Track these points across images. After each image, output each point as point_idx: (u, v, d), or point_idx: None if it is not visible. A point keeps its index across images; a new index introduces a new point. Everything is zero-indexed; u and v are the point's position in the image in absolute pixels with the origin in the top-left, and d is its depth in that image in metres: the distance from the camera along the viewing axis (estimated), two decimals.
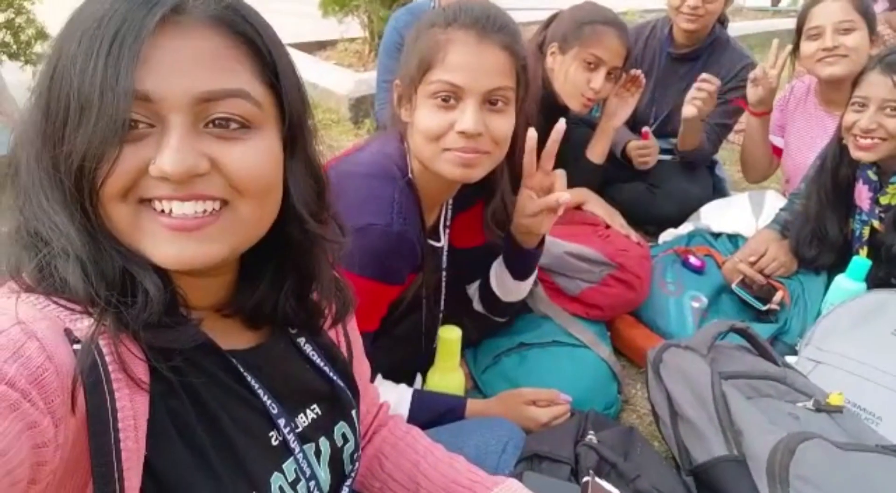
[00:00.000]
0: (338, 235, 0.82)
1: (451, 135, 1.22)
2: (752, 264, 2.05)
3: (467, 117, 1.20)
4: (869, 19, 2.15)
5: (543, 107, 1.99)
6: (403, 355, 1.56)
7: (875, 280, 1.88)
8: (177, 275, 0.67)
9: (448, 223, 1.53)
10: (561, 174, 1.34)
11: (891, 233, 1.83)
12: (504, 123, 1.25)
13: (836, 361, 1.68)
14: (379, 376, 1.44)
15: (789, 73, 2.44)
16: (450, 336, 1.44)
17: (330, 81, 3.74)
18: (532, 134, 1.27)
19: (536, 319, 1.79)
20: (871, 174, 1.89)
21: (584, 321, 1.83)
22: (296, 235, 0.75)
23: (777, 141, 2.51)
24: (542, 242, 1.46)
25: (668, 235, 2.39)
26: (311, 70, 3.90)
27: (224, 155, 0.63)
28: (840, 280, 1.91)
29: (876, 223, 1.92)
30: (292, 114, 0.70)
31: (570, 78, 1.96)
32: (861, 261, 1.87)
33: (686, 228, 2.37)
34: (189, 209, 0.63)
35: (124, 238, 0.63)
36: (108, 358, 0.59)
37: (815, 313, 1.94)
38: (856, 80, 1.81)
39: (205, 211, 0.64)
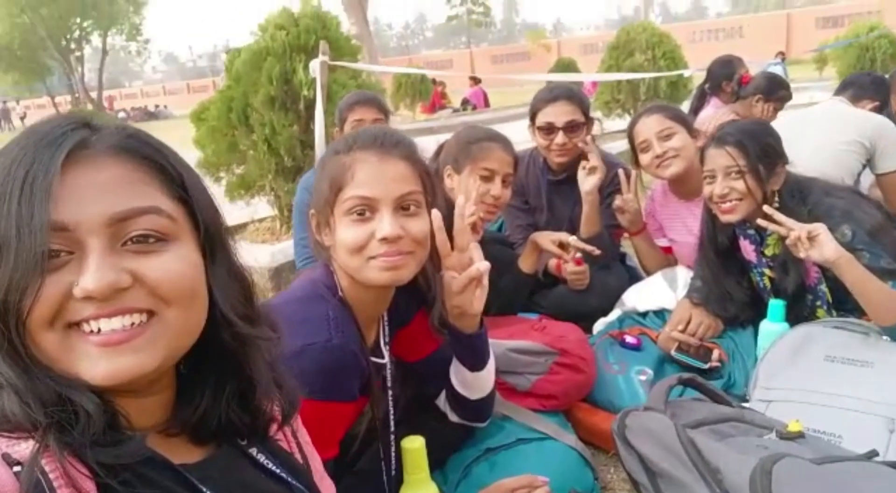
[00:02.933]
0: (270, 334, 0.83)
1: (372, 243, 1.29)
2: (682, 331, 2.15)
3: (384, 224, 1.28)
4: (684, 122, 2.49)
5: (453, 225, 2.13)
6: (372, 490, 1.50)
7: (794, 318, 2.01)
8: (115, 397, 0.67)
9: (388, 340, 1.55)
10: (476, 247, 1.41)
11: (783, 278, 2.01)
12: (420, 224, 1.33)
13: (784, 395, 1.74)
14: None
15: (640, 184, 2.73)
16: (412, 446, 1.40)
17: (246, 259, 3.79)
18: (437, 214, 1.35)
19: (497, 421, 1.77)
20: (750, 231, 2.10)
21: (543, 414, 1.83)
22: (227, 339, 0.77)
23: (662, 242, 2.74)
24: (482, 323, 1.50)
25: (600, 324, 2.47)
26: None
27: (144, 267, 0.67)
28: (765, 325, 2.03)
29: (768, 272, 2.11)
30: (206, 223, 0.74)
31: (470, 191, 2.12)
32: (777, 303, 2.01)
33: (615, 314, 2.47)
34: (117, 324, 0.65)
35: (56, 364, 0.64)
36: (51, 475, 0.59)
37: (752, 362, 2.03)
38: (701, 159, 2.06)
39: (132, 324, 0.66)
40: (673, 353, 2.07)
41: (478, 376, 1.54)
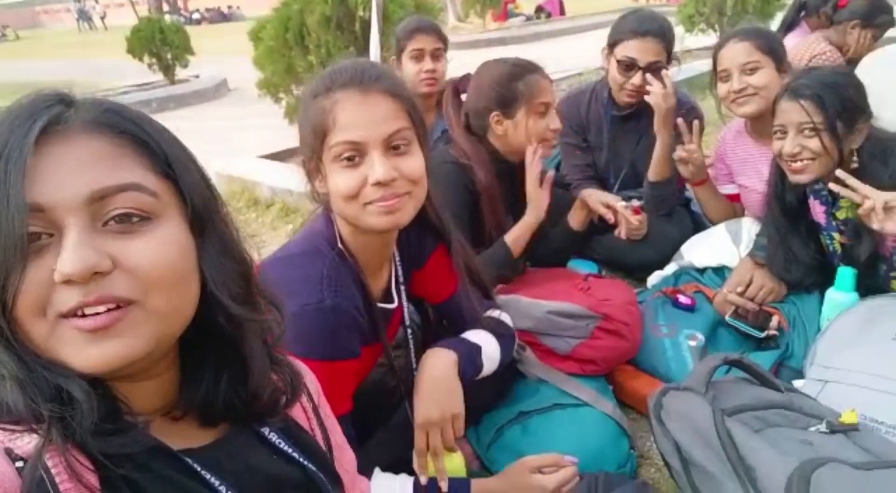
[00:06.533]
0: (269, 316, 0.80)
1: (366, 189, 1.24)
2: (741, 294, 2.03)
3: (376, 168, 1.22)
4: (775, 55, 2.23)
5: (497, 171, 2.06)
6: (404, 443, 1.52)
7: (868, 289, 1.86)
8: (115, 381, 0.66)
9: (402, 280, 1.52)
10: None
11: (857, 244, 1.84)
12: (413, 163, 1.27)
13: (844, 376, 1.63)
14: (377, 470, 1.39)
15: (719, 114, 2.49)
16: None
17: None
18: None
19: (533, 384, 1.75)
20: (822, 191, 1.91)
21: (581, 379, 1.78)
22: (221, 321, 0.74)
23: (729, 189, 2.54)
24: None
25: (655, 277, 2.37)
26: (285, 177, 3.97)
27: (126, 251, 0.63)
28: (831, 294, 1.89)
29: (838, 236, 1.93)
30: (194, 198, 0.70)
31: (532, 131, 2.02)
32: (846, 271, 1.86)
33: (671, 268, 2.35)
34: (101, 308, 0.62)
35: (45, 352, 0.63)
36: (53, 470, 0.59)
37: (814, 332, 1.90)
38: (773, 110, 1.86)
39: (118, 305, 0.63)
40: (728, 318, 1.96)
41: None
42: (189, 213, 0.70)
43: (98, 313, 0.62)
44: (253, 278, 0.78)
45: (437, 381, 1.41)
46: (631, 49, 2.38)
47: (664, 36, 2.39)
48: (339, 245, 1.36)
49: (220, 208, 0.75)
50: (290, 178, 4.06)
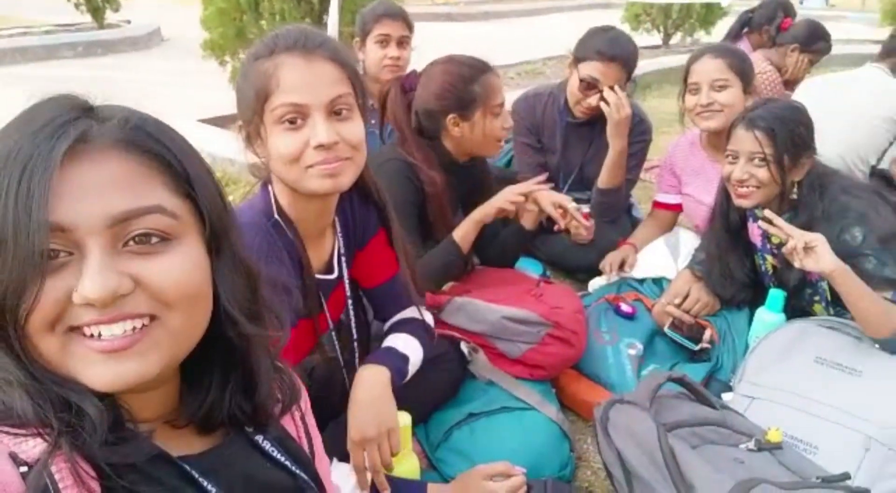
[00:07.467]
0: (274, 331, 0.82)
1: (308, 152, 1.24)
2: (678, 305, 2.13)
3: (319, 131, 1.23)
4: (744, 77, 2.35)
5: (446, 168, 2.06)
6: None
7: (794, 310, 2.00)
8: (120, 392, 0.66)
9: (343, 252, 1.52)
10: None
11: (786, 269, 1.97)
12: (354, 128, 1.28)
13: (769, 394, 1.76)
14: (335, 461, 1.41)
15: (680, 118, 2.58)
16: (400, 423, 1.43)
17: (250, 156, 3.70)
18: None
19: (482, 386, 1.80)
20: (760, 215, 2.03)
21: (529, 383, 1.85)
22: (232, 336, 0.75)
23: (672, 198, 2.64)
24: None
25: (596, 283, 2.46)
26: (226, 144, 3.83)
27: (146, 271, 0.64)
28: (761, 313, 2.02)
29: (770, 259, 2.06)
30: (212, 218, 0.71)
31: (489, 132, 2.03)
32: (777, 293, 1.98)
33: (613, 277, 2.44)
34: (118, 330, 0.63)
35: (56, 368, 0.63)
36: (57, 476, 0.59)
37: (743, 347, 2.03)
38: (728, 134, 1.96)
39: (134, 328, 0.64)
40: (666, 330, 2.07)
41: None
42: (206, 232, 0.71)
43: (114, 335, 0.62)
44: (259, 291, 0.79)
45: (372, 398, 1.42)
46: (595, 70, 2.43)
47: (628, 61, 2.46)
48: (276, 216, 1.35)
49: (232, 220, 0.75)
50: (232, 145, 3.92)
